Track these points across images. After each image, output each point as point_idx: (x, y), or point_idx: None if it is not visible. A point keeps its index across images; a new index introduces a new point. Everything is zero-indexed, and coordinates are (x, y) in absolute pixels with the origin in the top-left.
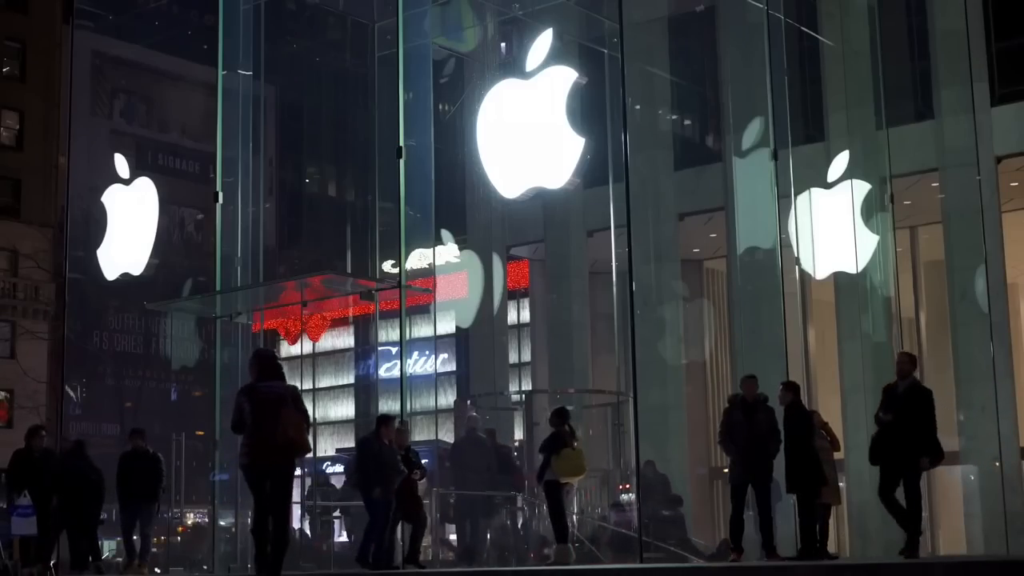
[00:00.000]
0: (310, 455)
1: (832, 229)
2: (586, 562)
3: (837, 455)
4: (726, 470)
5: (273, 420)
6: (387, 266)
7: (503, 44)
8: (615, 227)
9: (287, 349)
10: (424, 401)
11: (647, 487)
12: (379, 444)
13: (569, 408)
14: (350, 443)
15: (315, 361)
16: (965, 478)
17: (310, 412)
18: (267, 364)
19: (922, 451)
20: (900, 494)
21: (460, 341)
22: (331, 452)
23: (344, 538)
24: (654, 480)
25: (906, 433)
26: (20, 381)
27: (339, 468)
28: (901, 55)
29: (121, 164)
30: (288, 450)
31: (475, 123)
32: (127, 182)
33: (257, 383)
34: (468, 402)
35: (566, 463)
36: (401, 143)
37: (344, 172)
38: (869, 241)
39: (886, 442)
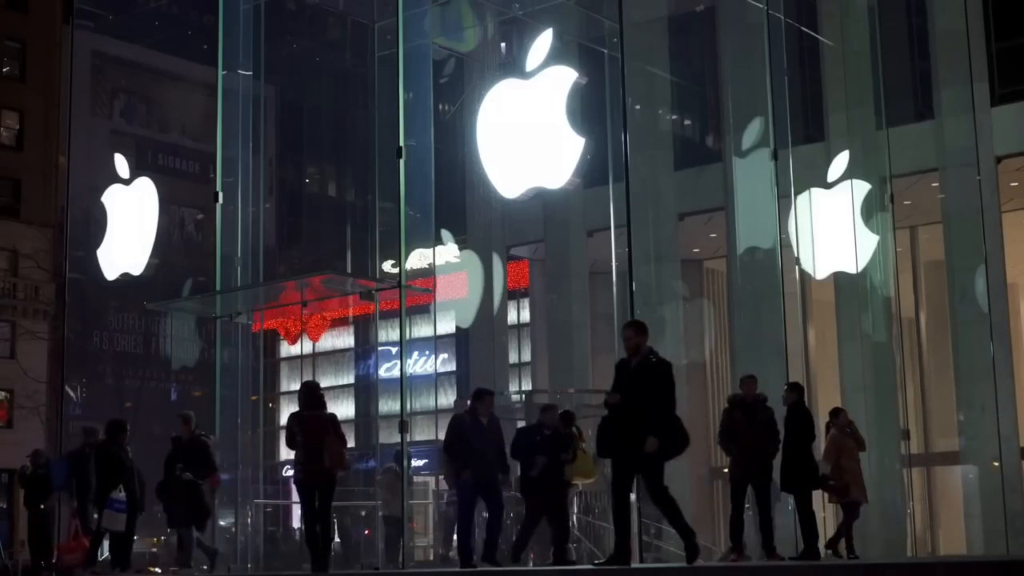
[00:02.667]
0: None
1: (832, 229)
2: (586, 562)
3: None
4: (726, 470)
5: (319, 445)
6: (387, 266)
7: (503, 44)
8: (615, 227)
9: (287, 349)
10: (424, 401)
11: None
12: (474, 422)
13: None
14: (350, 443)
15: (315, 361)
16: (965, 478)
17: None
18: (312, 395)
19: (649, 432)
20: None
21: (460, 341)
22: None
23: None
24: None
25: (638, 416)
26: (20, 381)
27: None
28: (901, 55)
29: (121, 164)
30: (332, 470)
31: (475, 123)
32: (127, 182)
33: (303, 411)
34: (468, 402)
35: (579, 465)
36: (401, 143)
37: (344, 172)
38: (869, 241)
39: (615, 428)
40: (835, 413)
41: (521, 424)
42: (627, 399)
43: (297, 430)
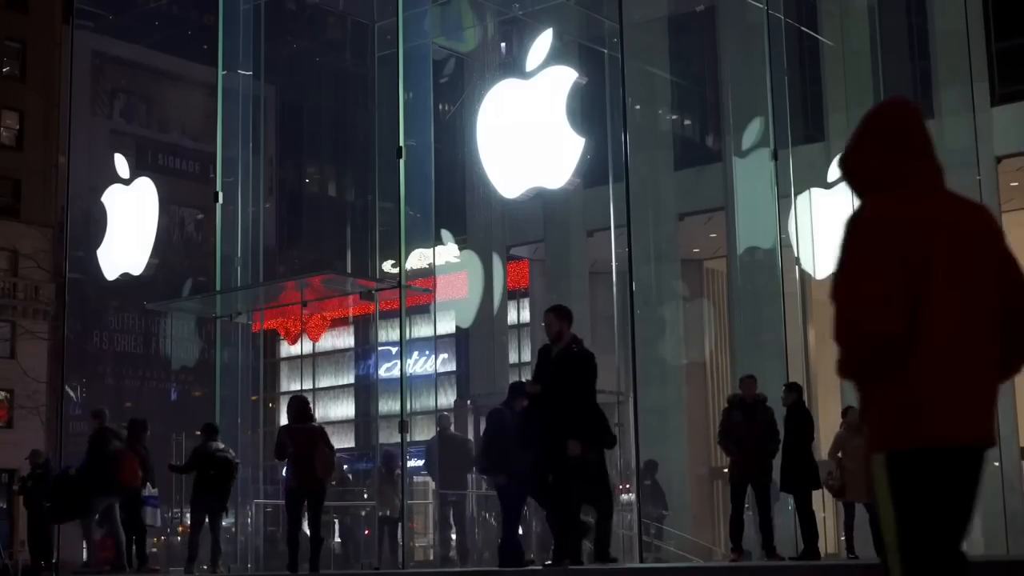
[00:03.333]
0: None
1: (832, 229)
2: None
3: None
4: (726, 470)
5: (311, 455)
6: (387, 266)
7: (503, 44)
8: (615, 227)
9: (287, 349)
10: (424, 401)
11: (650, 487)
12: (515, 416)
13: None
14: (350, 443)
15: (315, 361)
16: None
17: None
18: (302, 409)
19: (569, 432)
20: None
21: (460, 341)
22: None
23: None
24: (649, 483)
25: (558, 411)
26: (20, 381)
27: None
28: (901, 55)
29: (121, 164)
30: (323, 479)
31: (475, 123)
32: (127, 182)
33: (293, 424)
34: (468, 402)
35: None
36: (401, 143)
37: (344, 172)
38: None
39: (535, 422)
40: (845, 412)
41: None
42: (547, 390)
43: (288, 442)
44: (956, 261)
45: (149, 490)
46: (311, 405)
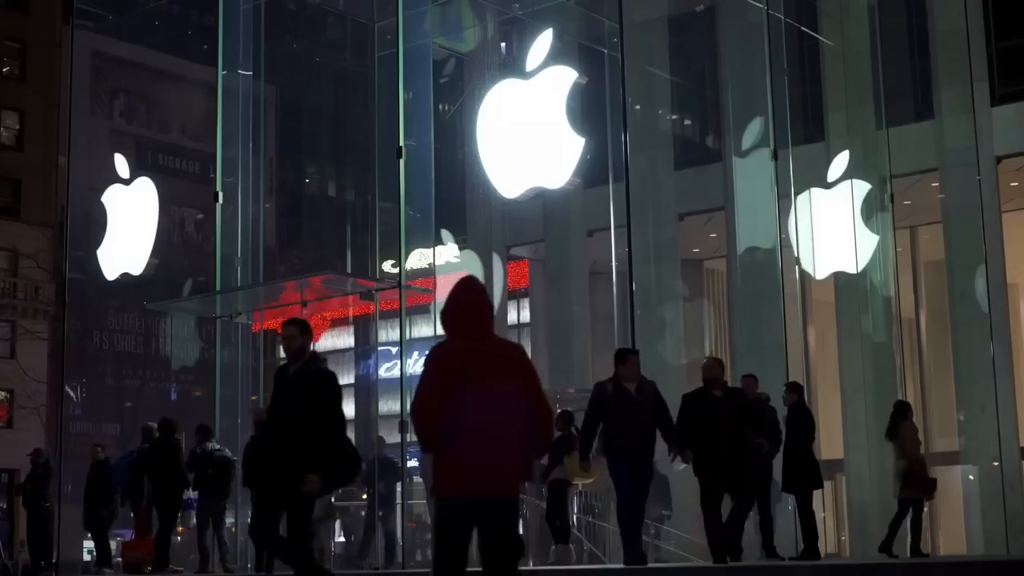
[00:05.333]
0: None
1: (832, 229)
2: (586, 562)
3: (836, 455)
4: None
5: None
6: (387, 266)
7: (503, 44)
8: (615, 227)
9: None
10: None
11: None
12: (618, 391)
13: (569, 408)
14: None
15: None
16: (965, 478)
17: None
18: None
19: (307, 465)
20: None
21: None
22: None
23: (342, 538)
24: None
25: (291, 440)
26: (20, 381)
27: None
28: (901, 55)
29: (121, 164)
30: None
31: (475, 123)
32: (127, 182)
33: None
34: None
35: (577, 464)
36: (401, 143)
37: (344, 172)
38: (869, 241)
39: (265, 454)
40: (908, 407)
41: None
42: (280, 415)
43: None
44: (481, 376)
45: (188, 493)
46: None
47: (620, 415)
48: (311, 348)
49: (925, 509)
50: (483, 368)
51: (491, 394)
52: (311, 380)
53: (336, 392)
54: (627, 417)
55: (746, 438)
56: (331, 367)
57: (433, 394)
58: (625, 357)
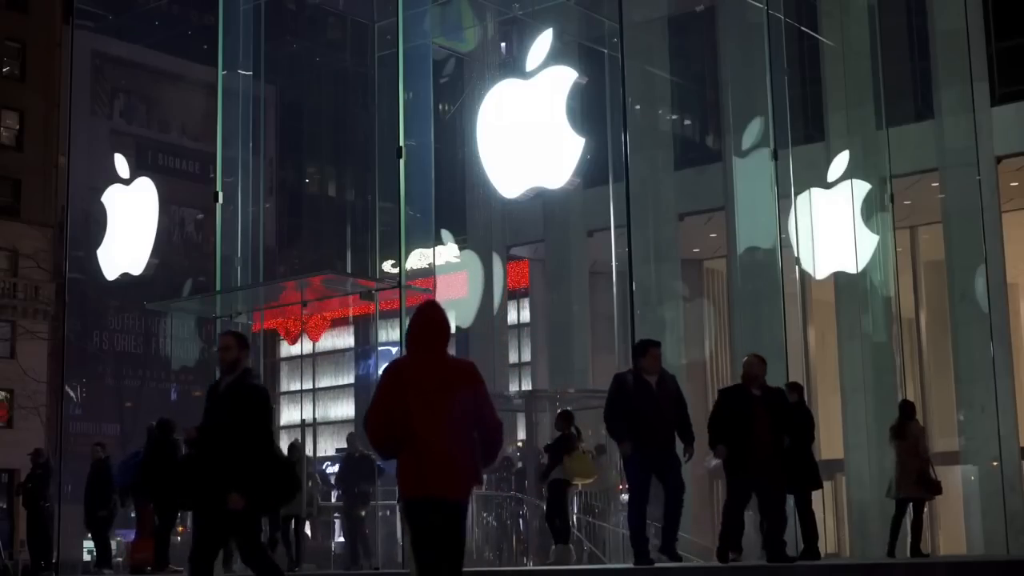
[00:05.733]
0: (309, 454)
1: (832, 229)
2: (586, 562)
3: (836, 455)
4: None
5: None
6: (387, 266)
7: (503, 44)
8: (615, 227)
9: (287, 349)
10: None
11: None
12: (639, 382)
13: (569, 408)
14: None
15: (315, 361)
16: (965, 478)
17: (310, 412)
18: None
19: (232, 482)
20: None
21: (460, 341)
22: (331, 452)
23: (342, 539)
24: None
25: (222, 455)
26: (20, 381)
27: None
28: (901, 55)
29: (121, 164)
30: None
31: (475, 123)
32: (127, 182)
33: None
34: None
35: (579, 464)
36: (401, 143)
37: (344, 172)
38: (869, 241)
39: (197, 472)
40: (913, 406)
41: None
42: (209, 431)
43: None
44: (430, 390)
45: None
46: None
47: (639, 408)
48: (246, 363)
49: (925, 509)
50: (432, 383)
51: (439, 407)
52: (242, 395)
53: (266, 409)
54: (647, 410)
55: (782, 440)
56: (331, 367)
57: (381, 407)
58: (646, 349)
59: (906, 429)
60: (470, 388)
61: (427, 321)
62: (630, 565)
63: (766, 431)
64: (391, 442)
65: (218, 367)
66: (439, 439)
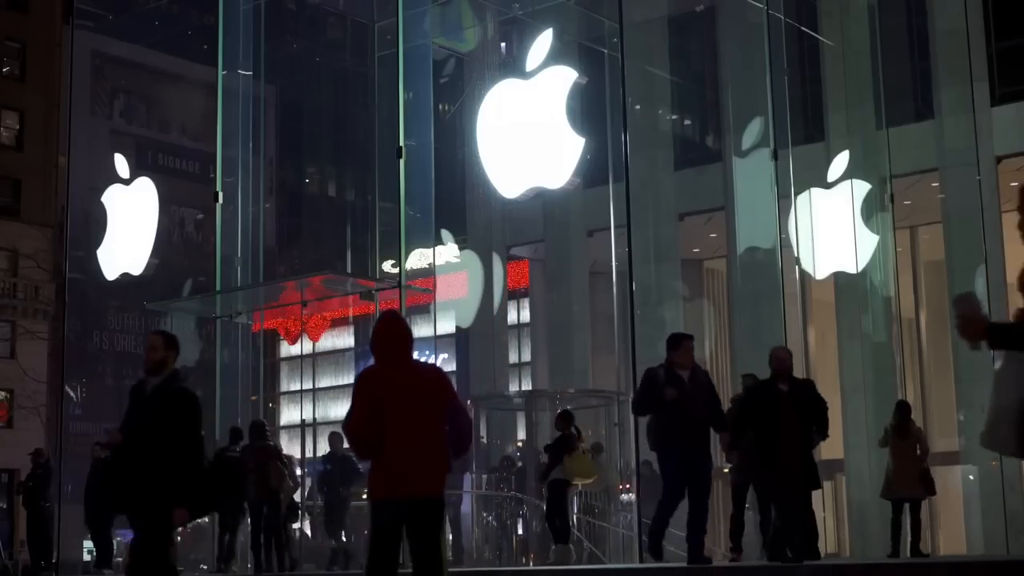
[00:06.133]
0: (309, 455)
1: (832, 229)
2: (586, 562)
3: (836, 455)
4: (726, 470)
5: (267, 470)
6: (387, 266)
7: (503, 44)
8: (615, 227)
9: (287, 349)
10: None
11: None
12: (671, 377)
13: (569, 407)
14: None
15: (315, 361)
16: (965, 478)
17: (310, 412)
18: (261, 431)
19: (171, 496)
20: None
21: (460, 341)
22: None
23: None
24: (651, 480)
25: (150, 463)
26: (20, 381)
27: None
28: (901, 55)
29: (121, 164)
30: (277, 490)
31: (475, 123)
32: (127, 182)
33: (254, 443)
34: (468, 402)
35: (579, 464)
36: (401, 143)
37: (344, 172)
38: (869, 241)
39: (122, 476)
40: (910, 406)
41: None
42: (134, 434)
43: (249, 458)
44: (398, 396)
45: None
46: (267, 428)
47: (673, 405)
48: (173, 364)
49: (922, 509)
50: (401, 389)
51: (408, 411)
52: (170, 399)
53: (196, 414)
54: (680, 407)
55: (810, 436)
56: (331, 367)
57: (357, 413)
58: (679, 342)
59: (907, 429)
60: (438, 391)
61: (390, 331)
62: (630, 565)
63: (793, 429)
64: (372, 446)
65: (143, 368)
66: (410, 444)
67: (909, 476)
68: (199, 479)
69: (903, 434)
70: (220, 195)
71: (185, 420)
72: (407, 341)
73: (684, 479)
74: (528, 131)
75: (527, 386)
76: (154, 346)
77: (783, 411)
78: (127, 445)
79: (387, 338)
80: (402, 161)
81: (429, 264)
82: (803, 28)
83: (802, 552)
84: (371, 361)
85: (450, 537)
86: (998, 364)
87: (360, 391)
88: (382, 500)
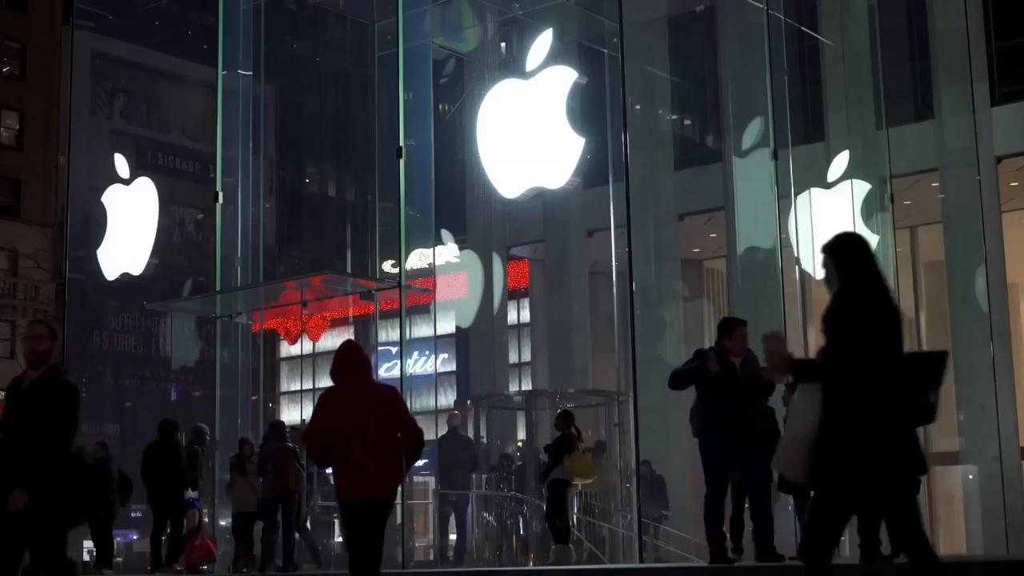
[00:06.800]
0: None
1: (832, 229)
2: (586, 562)
3: None
4: None
5: (285, 471)
6: (387, 266)
7: (503, 44)
8: (615, 227)
9: (287, 349)
10: (424, 401)
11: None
12: (722, 363)
13: (569, 406)
14: None
15: (315, 361)
16: (965, 478)
17: (309, 412)
18: (280, 431)
19: (24, 480)
20: None
21: (460, 341)
22: None
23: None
24: (650, 480)
25: (20, 455)
26: None
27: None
28: (901, 55)
29: (121, 164)
30: (295, 491)
31: (475, 123)
32: (127, 182)
33: (271, 444)
34: (468, 402)
35: (579, 464)
36: (401, 143)
37: (344, 172)
38: (869, 241)
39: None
40: None
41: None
42: (11, 428)
43: (268, 459)
44: (356, 413)
45: (191, 493)
46: (286, 428)
47: (721, 391)
48: (56, 357)
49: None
50: (359, 408)
51: (364, 426)
52: (52, 392)
53: (73, 408)
54: (729, 393)
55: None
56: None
57: (317, 427)
58: (732, 328)
59: None
60: (392, 406)
61: (349, 358)
62: (630, 565)
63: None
64: (325, 454)
65: (24, 358)
66: (367, 452)
67: None
68: (60, 475)
69: None
70: (220, 195)
71: (64, 415)
72: (365, 366)
73: (728, 473)
74: (528, 131)
75: (527, 386)
76: (40, 335)
77: None
78: (4, 442)
79: (346, 363)
80: (402, 161)
81: (429, 264)
82: (803, 28)
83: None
84: (372, 361)
85: (453, 537)
86: (796, 395)
87: (320, 408)
88: (347, 501)
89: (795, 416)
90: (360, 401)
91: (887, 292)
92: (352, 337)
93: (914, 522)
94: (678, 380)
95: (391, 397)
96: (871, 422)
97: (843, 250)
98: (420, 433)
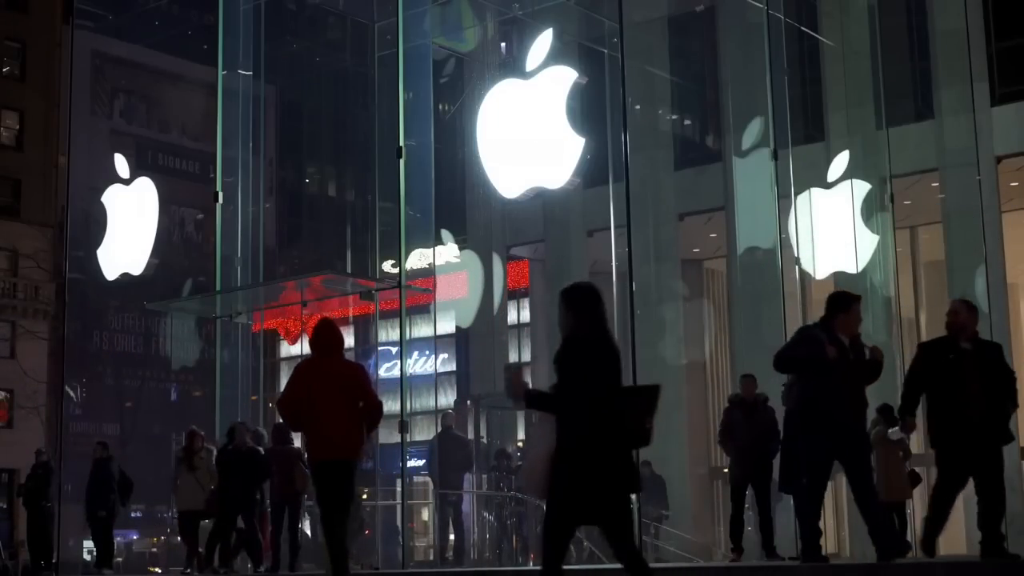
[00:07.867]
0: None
1: (832, 229)
2: (586, 562)
3: None
4: (726, 470)
5: (290, 473)
6: (387, 266)
7: (503, 44)
8: (615, 227)
9: (287, 349)
10: (424, 401)
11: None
12: (831, 340)
13: None
14: None
15: None
16: None
17: None
18: (284, 433)
19: None
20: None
21: (460, 341)
22: None
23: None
24: (650, 481)
25: None
26: (20, 381)
27: None
28: (901, 55)
29: (121, 164)
30: (301, 493)
31: (475, 123)
32: (127, 182)
33: (276, 446)
34: (468, 402)
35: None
36: (401, 143)
37: (344, 172)
38: (869, 241)
39: None
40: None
41: None
42: None
43: (273, 461)
44: (325, 384)
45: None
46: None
47: (836, 376)
48: None
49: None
50: (328, 379)
51: (332, 395)
52: None
53: None
54: (845, 379)
55: (1002, 406)
56: None
57: (290, 394)
58: (849, 304)
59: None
60: (355, 379)
61: (324, 334)
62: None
63: (978, 392)
64: (297, 418)
65: None
66: (335, 418)
67: (898, 480)
68: None
69: (887, 439)
70: (220, 195)
71: None
72: (338, 342)
73: (831, 466)
74: (528, 131)
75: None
76: None
77: (968, 375)
78: None
79: (322, 338)
80: (402, 161)
81: (429, 264)
82: (803, 28)
83: (1001, 543)
84: (372, 360)
85: (451, 537)
86: (535, 421)
87: (295, 377)
88: (318, 460)
89: (534, 442)
90: (329, 374)
91: (609, 337)
92: (352, 337)
93: (628, 532)
94: (789, 366)
95: (355, 372)
96: (594, 446)
97: (577, 298)
98: (379, 405)
